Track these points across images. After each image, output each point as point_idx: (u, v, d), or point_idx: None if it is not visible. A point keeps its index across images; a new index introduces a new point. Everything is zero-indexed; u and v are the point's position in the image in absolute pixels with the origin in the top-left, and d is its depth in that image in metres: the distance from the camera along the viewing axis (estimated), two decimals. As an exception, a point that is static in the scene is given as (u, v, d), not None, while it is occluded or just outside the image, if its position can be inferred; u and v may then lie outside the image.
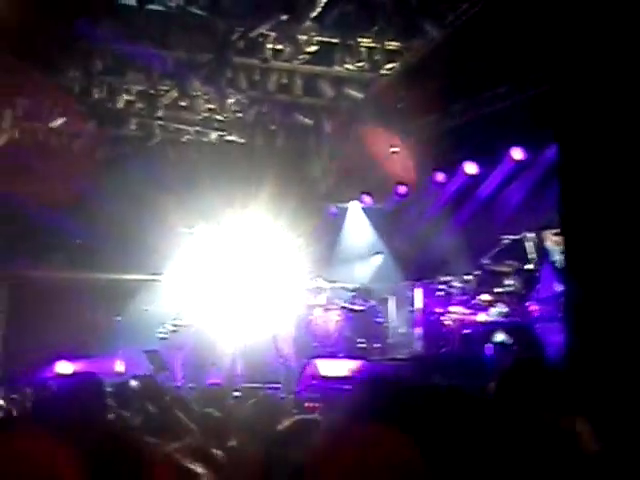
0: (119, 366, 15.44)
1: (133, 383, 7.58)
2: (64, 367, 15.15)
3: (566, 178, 6.73)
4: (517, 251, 11.40)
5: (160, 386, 6.99)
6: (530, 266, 11.18)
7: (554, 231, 10.20)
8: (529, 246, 11.20)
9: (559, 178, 6.83)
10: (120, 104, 13.97)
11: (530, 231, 11.14)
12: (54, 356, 15.20)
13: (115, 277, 15.65)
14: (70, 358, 15.17)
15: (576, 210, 6.60)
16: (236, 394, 9.05)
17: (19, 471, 1.93)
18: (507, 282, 11.39)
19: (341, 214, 15.97)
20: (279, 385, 12.79)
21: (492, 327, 10.67)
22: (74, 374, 14.05)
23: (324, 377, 11.70)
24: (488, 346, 10.27)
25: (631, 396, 5.08)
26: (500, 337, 10.21)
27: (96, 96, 13.68)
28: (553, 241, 10.49)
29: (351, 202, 15.70)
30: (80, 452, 2.19)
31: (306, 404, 8.82)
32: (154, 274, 16.15)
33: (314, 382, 11.76)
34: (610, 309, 6.02)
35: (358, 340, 13.49)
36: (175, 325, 15.19)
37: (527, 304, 11.07)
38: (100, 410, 4.54)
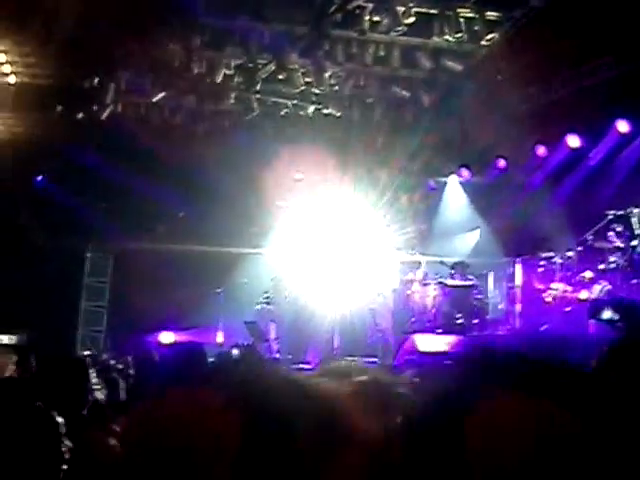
0: (219, 337, 15.69)
1: (234, 352, 7.69)
2: (167, 337, 15.51)
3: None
4: (622, 227, 11.03)
5: (261, 356, 7.04)
6: (635, 242, 10.80)
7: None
8: (634, 222, 10.82)
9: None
10: (219, 78, 14.04)
11: (636, 206, 10.76)
12: (157, 326, 15.59)
13: (216, 249, 15.85)
14: (172, 328, 15.52)
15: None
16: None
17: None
18: (611, 259, 11.06)
19: (439, 188, 15.75)
20: (376, 359, 12.77)
21: (598, 304, 10.35)
22: (176, 343, 14.49)
23: (422, 352, 11.64)
24: (592, 323, 10.01)
25: None
26: (607, 314, 9.89)
27: (195, 71, 13.81)
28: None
29: (450, 176, 15.46)
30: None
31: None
32: (254, 247, 16.32)
33: (412, 357, 11.71)
34: None
35: (456, 316, 13.33)
36: (272, 297, 15.32)
37: (632, 282, 10.72)
38: (202, 378, 4.60)
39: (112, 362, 10.49)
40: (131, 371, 7.85)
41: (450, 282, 13.68)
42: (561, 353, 9.48)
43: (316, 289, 14.94)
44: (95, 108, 14.88)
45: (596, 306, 10.28)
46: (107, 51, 13.22)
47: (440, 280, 13.78)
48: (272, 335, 14.80)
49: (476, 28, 11.72)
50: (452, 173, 15.33)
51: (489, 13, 11.54)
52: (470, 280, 13.68)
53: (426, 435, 1.69)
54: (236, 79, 14.28)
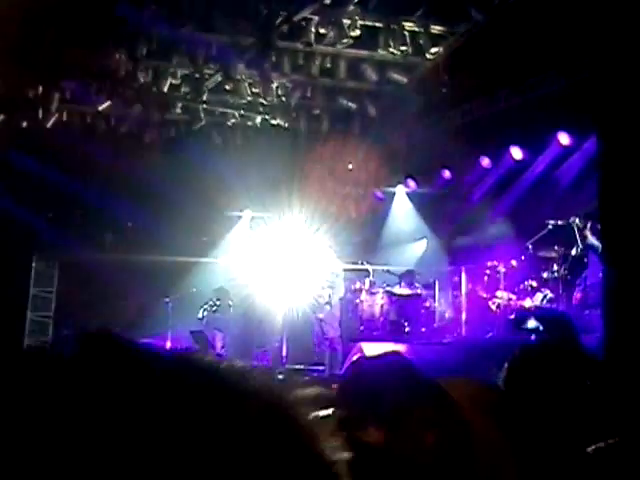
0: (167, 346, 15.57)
1: None
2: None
3: (606, 166, 6.60)
4: (564, 236, 11.24)
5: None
6: (576, 252, 11.01)
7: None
8: (576, 232, 11.02)
9: (599, 165, 6.71)
10: (165, 88, 14.00)
11: (577, 217, 10.96)
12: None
13: (164, 259, 15.75)
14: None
15: (615, 198, 6.47)
16: (280, 377, 9.09)
17: None
18: (554, 267, 11.26)
19: (387, 198, 15.87)
20: (323, 367, 12.82)
21: (522, 314, 10.56)
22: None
23: (369, 360, 11.65)
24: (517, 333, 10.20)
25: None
26: (531, 323, 10.07)
27: (141, 80, 13.75)
28: (598, 228, 10.34)
29: (397, 186, 15.59)
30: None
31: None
32: (202, 256, 16.26)
33: (359, 365, 11.72)
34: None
35: (404, 324, 13.44)
36: (218, 306, 15.27)
37: (574, 290, 10.93)
38: None
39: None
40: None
41: (397, 291, 13.78)
42: (505, 362, 9.68)
43: (264, 298, 14.95)
44: (40, 116, 14.71)
45: (520, 317, 10.46)
46: (51, 60, 13.09)
47: (388, 289, 13.88)
48: (218, 344, 14.76)
49: (421, 42, 11.85)
50: (399, 183, 15.47)
51: (434, 27, 11.68)
52: (417, 289, 13.80)
53: None
54: (183, 89, 14.26)
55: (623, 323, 6.19)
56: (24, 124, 14.86)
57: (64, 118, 14.93)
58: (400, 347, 12.00)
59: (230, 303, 15.17)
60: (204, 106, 14.74)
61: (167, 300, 15.81)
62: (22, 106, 14.53)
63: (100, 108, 14.76)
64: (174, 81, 13.99)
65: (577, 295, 11.00)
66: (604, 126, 6.67)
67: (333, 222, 15.15)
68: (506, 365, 2.78)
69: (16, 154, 15.29)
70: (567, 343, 2.99)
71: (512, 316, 11.49)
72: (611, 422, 2.77)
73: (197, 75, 13.81)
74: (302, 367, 12.85)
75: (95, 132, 15.18)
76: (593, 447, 2.64)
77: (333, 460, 0.71)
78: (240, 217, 16.69)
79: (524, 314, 10.62)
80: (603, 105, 6.71)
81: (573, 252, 11.06)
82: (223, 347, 14.72)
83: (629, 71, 6.16)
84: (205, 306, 15.30)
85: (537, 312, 10.47)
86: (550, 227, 11.37)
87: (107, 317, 15.55)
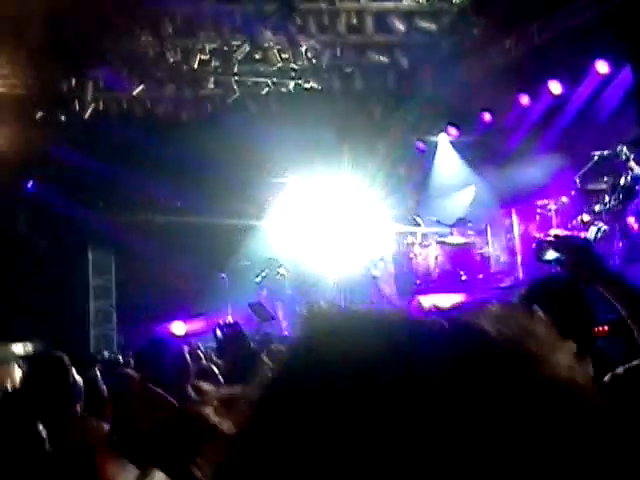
0: (229, 321, 15.70)
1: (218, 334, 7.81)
2: (178, 327, 15.59)
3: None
4: (611, 167, 11.01)
5: (243, 335, 7.12)
6: (625, 181, 10.76)
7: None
8: (623, 161, 10.78)
9: (636, 94, 6.53)
10: (195, 64, 13.99)
11: (623, 145, 10.70)
12: (167, 317, 15.64)
13: (215, 222, 15.80)
14: (182, 318, 15.58)
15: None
16: None
17: None
18: (605, 199, 11.04)
19: (430, 149, 15.67)
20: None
21: (541, 245, 10.33)
22: (186, 335, 14.56)
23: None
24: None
25: None
26: (551, 254, 9.83)
27: (171, 59, 13.76)
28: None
29: (439, 135, 15.37)
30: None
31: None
32: (253, 221, 16.34)
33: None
34: None
35: (460, 273, 13.35)
36: (270, 277, 15.34)
37: (626, 220, 10.71)
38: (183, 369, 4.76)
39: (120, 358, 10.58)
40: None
41: (450, 240, 13.69)
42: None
43: (316, 261, 14.96)
44: (77, 108, 14.84)
45: (539, 248, 10.25)
46: (80, 51, 13.17)
47: (440, 239, 13.78)
48: (280, 313, 14.84)
49: (445, -14, 11.64)
50: (441, 132, 15.24)
51: (458, -30, 11.45)
52: (470, 236, 13.68)
53: None
54: (213, 63, 14.23)
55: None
56: (62, 118, 14.97)
57: (100, 107, 15.02)
58: (458, 297, 11.98)
59: (281, 271, 15.22)
60: (236, 78, 14.68)
61: (223, 275, 15.95)
62: (58, 100, 14.66)
63: (134, 93, 14.81)
64: (203, 57, 13.97)
65: (631, 224, 10.78)
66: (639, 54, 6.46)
67: (380, 178, 15.05)
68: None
69: (59, 148, 15.45)
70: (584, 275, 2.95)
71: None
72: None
73: (225, 48, 13.76)
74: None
75: (132, 117, 15.26)
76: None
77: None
78: (286, 183, 16.66)
79: (542, 245, 10.42)
80: (636, 32, 6.51)
81: (622, 181, 10.81)
82: (285, 316, 14.80)
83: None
84: (257, 278, 15.39)
85: (555, 242, 10.23)
86: (596, 158, 11.13)
87: (168, 299, 15.78)
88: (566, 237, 10.34)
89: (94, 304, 17.91)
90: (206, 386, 5.14)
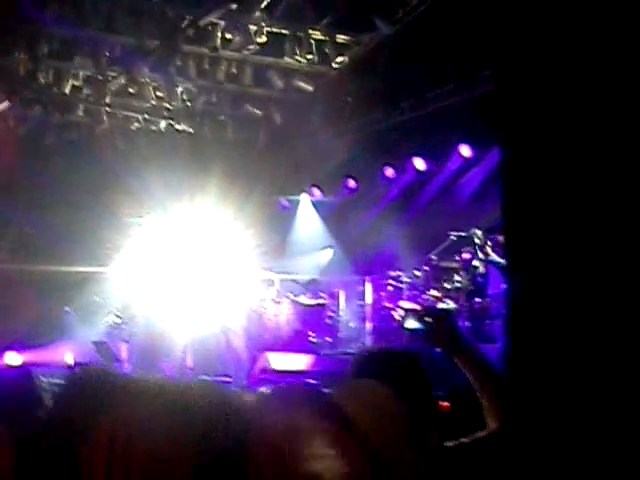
0: (68, 357, 15.20)
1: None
2: (12, 358, 14.90)
3: (509, 178, 6.63)
4: (466, 247, 11.37)
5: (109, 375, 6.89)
6: (476, 263, 11.14)
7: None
8: (477, 242, 11.15)
9: (502, 178, 6.75)
10: (67, 89, 13.65)
11: (478, 228, 11.09)
12: (2, 347, 14.93)
13: (63, 269, 15.34)
14: (19, 349, 14.91)
15: (518, 210, 6.50)
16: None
17: None
18: (456, 278, 11.37)
19: (292, 207, 15.83)
20: (230, 379, 12.63)
21: (405, 315, 10.58)
22: (23, 365, 13.91)
23: (275, 371, 11.61)
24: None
25: (570, 400, 4.96)
26: (411, 323, 10.07)
27: (42, 80, 13.39)
28: (498, 243, 10.50)
29: (302, 194, 15.57)
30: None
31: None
32: (103, 265, 15.86)
33: (265, 376, 11.67)
34: (551, 311, 5.95)
35: (309, 333, 13.39)
36: (122, 316, 14.97)
37: (474, 300, 11.05)
38: (33, 403, 4.48)
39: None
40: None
41: (303, 300, 13.74)
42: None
43: (167, 307, 14.70)
44: None
45: (404, 317, 10.52)
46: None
47: (293, 298, 13.82)
48: (124, 355, 14.44)
49: (327, 50, 11.88)
50: (304, 192, 15.45)
51: (339, 36, 11.72)
52: (322, 298, 13.79)
53: None
54: (85, 91, 13.91)
55: (524, 334, 6.23)
56: None
57: (-40, 118, 14.41)
58: (306, 357, 11.99)
59: (133, 313, 14.87)
60: (107, 109, 14.41)
61: (67, 309, 15.43)
62: None
63: (-1, 108, 14.30)
64: (76, 82, 13.64)
65: (480, 305, 11.13)
66: (507, 136, 6.71)
67: (238, 230, 15.02)
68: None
69: None
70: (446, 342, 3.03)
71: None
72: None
73: (100, 77, 13.49)
74: (208, 378, 12.62)
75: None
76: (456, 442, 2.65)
77: None
78: (141, 224, 16.36)
79: (406, 314, 10.66)
80: (506, 115, 6.75)
81: (475, 263, 11.18)
82: (129, 358, 14.41)
83: (532, 80, 6.23)
84: (108, 317, 15.00)
85: (418, 311, 10.46)
86: (453, 238, 11.49)
87: (6, 326, 15.08)
88: (429, 307, 10.53)
89: None
90: None
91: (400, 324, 10.65)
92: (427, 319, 3.11)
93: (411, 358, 2.94)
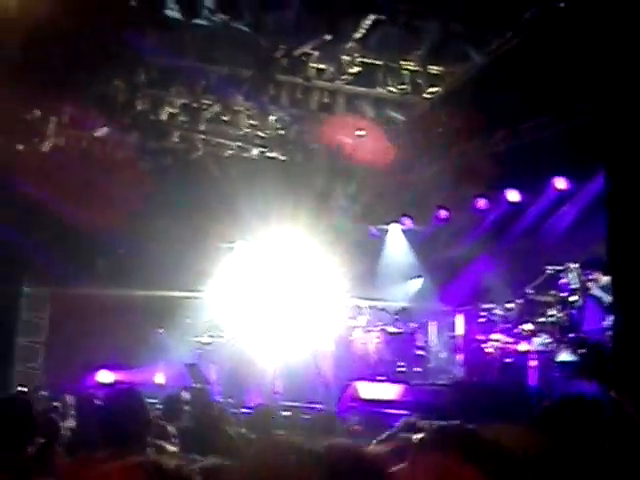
0: (159, 377, 15.46)
1: (184, 394, 7.68)
2: (105, 376, 15.24)
3: (615, 209, 6.46)
4: (561, 282, 11.09)
5: (211, 398, 7.01)
6: (574, 297, 10.84)
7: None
8: (572, 277, 10.86)
9: (608, 209, 6.57)
10: (163, 116, 13.92)
11: (574, 262, 10.80)
12: (95, 365, 15.29)
13: (157, 294, 15.65)
14: (111, 368, 15.24)
15: (625, 242, 6.33)
16: (285, 414, 8.97)
17: None
18: (550, 312, 11.10)
19: (382, 235, 15.77)
20: (320, 405, 12.60)
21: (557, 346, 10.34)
22: (115, 384, 14.20)
23: (364, 400, 11.57)
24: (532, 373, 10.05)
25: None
26: (564, 356, 9.85)
27: (139, 107, 13.67)
28: (595, 276, 10.21)
29: (392, 224, 15.51)
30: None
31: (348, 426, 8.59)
32: (194, 290, 16.09)
33: (354, 404, 11.64)
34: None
35: (398, 363, 13.29)
36: (212, 338, 15.13)
37: (571, 335, 10.74)
38: (143, 423, 4.50)
39: (49, 402, 10.25)
40: (72, 412, 7.68)
41: (392, 329, 13.65)
42: (501, 405, 9.53)
43: (257, 332, 14.79)
44: (36, 140, 14.63)
45: (556, 349, 10.29)
46: (51, 84, 13.02)
47: (382, 327, 13.73)
48: (212, 377, 14.59)
49: (419, 81, 11.78)
50: (394, 221, 15.38)
51: (432, 67, 11.61)
52: (412, 328, 13.66)
53: None
54: (180, 118, 14.15)
55: (632, 370, 6.09)
56: (20, 147, 14.75)
57: (61, 142, 14.83)
58: (395, 387, 11.88)
59: (223, 336, 15.02)
60: (201, 136, 14.65)
61: (160, 331, 15.69)
62: (19, 129, 14.44)
63: (97, 134, 14.66)
64: (172, 110, 13.89)
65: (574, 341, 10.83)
66: (612, 167, 6.55)
67: (328, 257, 15.02)
68: (543, 410, 2.71)
69: (11, 177, 15.19)
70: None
71: (509, 360, 11.33)
72: None
73: (195, 105, 13.71)
74: (298, 404, 12.68)
75: (91, 157, 15.09)
76: None
77: None
78: (232, 248, 16.56)
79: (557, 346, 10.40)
80: (609, 146, 6.60)
81: (571, 298, 10.89)
82: (218, 380, 14.56)
83: (633, 110, 6.06)
84: (198, 339, 15.18)
85: (572, 340, 10.13)
86: (549, 272, 11.23)
87: (100, 345, 15.44)
88: (584, 337, 10.10)
89: (21, 339, 17.46)
90: (169, 446, 4.90)
91: (552, 357, 10.39)
92: (581, 351, 2.94)
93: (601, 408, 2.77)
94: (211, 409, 6.49)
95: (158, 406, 7.50)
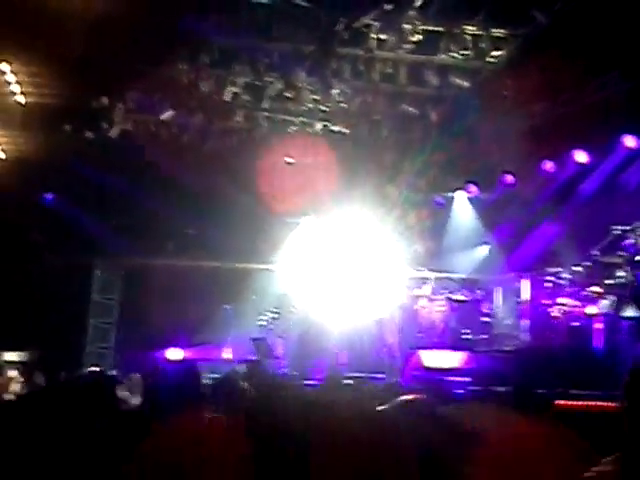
0: (227, 353, 15.70)
1: (240, 368, 7.81)
2: (174, 353, 15.54)
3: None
4: (629, 242, 11.02)
5: (263, 371, 7.15)
6: (640, 257, 10.79)
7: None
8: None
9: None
10: (227, 96, 14.11)
11: (641, 222, 10.75)
12: (165, 343, 15.60)
13: (224, 265, 15.90)
14: (180, 345, 15.54)
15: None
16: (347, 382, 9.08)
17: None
18: (618, 274, 11.03)
19: (447, 204, 15.79)
20: (383, 375, 12.75)
21: (620, 302, 10.30)
22: (183, 361, 14.51)
23: (427, 368, 11.61)
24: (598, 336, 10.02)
25: None
26: (630, 312, 9.79)
27: (203, 89, 13.88)
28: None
29: (457, 192, 15.51)
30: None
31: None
32: (263, 263, 16.36)
33: (417, 373, 11.68)
34: None
35: (463, 331, 13.33)
36: (280, 312, 15.32)
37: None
38: (197, 399, 4.75)
39: (120, 379, 10.55)
40: (138, 389, 7.94)
41: (458, 297, 13.68)
42: (569, 372, 9.52)
43: (323, 304, 14.96)
44: (104, 126, 14.96)
45: (619, 302, 10.25)
46: (116, 71, 13.31)
47: (448, 295, 13.79)
48: (279, 351, 14.80)
49: (482, 45, 11.78)
50: (459, 189, 15.38)
51: (495, 30, 11.61)
52: (478, 295, 13.70)
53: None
54: (244, 97, 14.33)
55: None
56: (89, 134, 15.10)
57: (128, 127, 15.15)
58: (459, 355, 11.95)
59: (292, 310, 15.20)
60: (265, 114, 14.82)
61: (227, 307, 15.94)
62: (87, 116, 14.79)
63: (163, 117, 14.94)
64: (235, 89, 14.08)
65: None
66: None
67: (394, 228, 15.12)
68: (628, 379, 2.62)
69: (81, 163, 15.57)
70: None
71: (576, 323, 11.30)
72: None
73: (258, 83, 13.88)
74: (362, 375, 12.83)
75: (158, 141, 15.37)
76: None
77: None
78: (299, 223, 16.78)
79: (622, 299, 10.35)
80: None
81: (638, 258, 10.83)
82: (284, 354, 14.76)
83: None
84: (267, 313, 15.38)
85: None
86: (616, 232, 11.17)
87: (169, 324, 15.75)
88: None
89: (93, 320, 17.91)
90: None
91: (617, 310, 10.38)
92: None
93: None
94: (267, 380, 6.54)
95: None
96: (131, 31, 12.10)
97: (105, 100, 14.45)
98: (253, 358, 13.76)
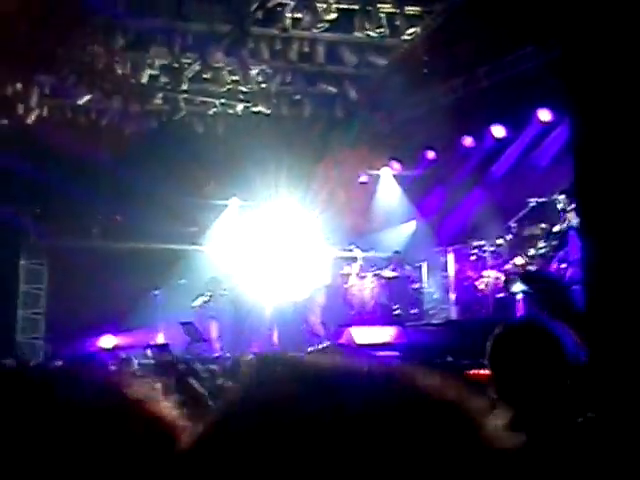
0: (160, 338, 15.58)
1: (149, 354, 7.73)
2: (107, 341, 15.36)
3: (580, 145, 6.53)
4: (548, 213, 11.19)
5: (173, 356, 7.07)
6: (557, 228, 10.94)
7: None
8: (559, 210, 10.96)
9: (573, 143, 6.66)
10: (144, 79, 13.89)
11: (560, 193, 10.89)
12: (96, 330, 15.39)
13: (152, 246, 15.70)
14: (112, 331, 15.35)
15: (591, 174, 6.41)
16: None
17: None
18: (539, 244, 11.21)
19: (373, 182, 15.83)
20: (313, 354, 12.75)
21: (508, 279, 10.59)
22: (114, 348, 14.36)
23: (359, 344, 11.66)
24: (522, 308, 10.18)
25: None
26: (518, 287, 9.97)
27: (120, 72, 13.63)
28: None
29: (382, 169, 15.54)
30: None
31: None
32: (192, 244, 16.26)
33: (346, 350, 11.73)
34: (626, 273, 5.86)
35: (394, 307, 13.42)
36: (211, 295, 15.23)
37: (558, 266, 10.88)
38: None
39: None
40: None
41: (386, 274, 13.75)
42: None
43: (253, 286, 14.92)
44: (20, 113, 14.60)
45: (507, 280, 10.49)
46: (28, 55, 12.97)
47: (377, 272, 13.85)
48: (214, 334, 14.72)
49: (397, 23, 11.76)
50: (384, 166, 15.42)
51: (409, 8, 11.59)
52: (406, 271, 13.77)
53: None
54: (162, 79, 14.13)
55: (601, 299, 6.17)
56: (4, 121, 14.73)
57: (44, 113, 14.80)
58: (390, 330, 12.03)
59: (222, 292, 15.12)
60: (184, 96, 14.62)
61: (156, 292, 15.78)
62: (2, 103, 14.41)
63: (80, 102, 14.64)
64: (153, 72, 13.86)
65: (562, 271, 10.96)
66: (578, 104, 6.60)
67: (320, 207, 15.11)
68: (489, 344, 2.72)
69: (-1, 151, 15.18)
70: (556, 306, 2.92)
71: (501, 295, 11.45)
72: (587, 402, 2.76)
73: (175, 65, 13.67)
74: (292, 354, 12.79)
75: (77, 126, 15.07)
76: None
77: None
78: (227, 205, 16.66)
79: (510, 277, 10.64)
80: (576, 82, 6.63)
81: (556, 229, 10.99)
82: (219, 336, 14.69)
83: (602, 47, 6.09)
84: (199, 296, 15.27)
85: (525, 274, 10.33)
86: (533, 204, 11.33)
87: (97, 311, 15.53)
88: (537, 271, 10.19)
89: (22, 312, 17.58)
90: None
91: (506, 287, 10.58)
92: (536, 283, 2.99)
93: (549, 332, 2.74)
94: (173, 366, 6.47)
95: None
96: (41, 12, 11.80)
97: (19, 86, 14.08)
98: (192, 343, 13.72)
